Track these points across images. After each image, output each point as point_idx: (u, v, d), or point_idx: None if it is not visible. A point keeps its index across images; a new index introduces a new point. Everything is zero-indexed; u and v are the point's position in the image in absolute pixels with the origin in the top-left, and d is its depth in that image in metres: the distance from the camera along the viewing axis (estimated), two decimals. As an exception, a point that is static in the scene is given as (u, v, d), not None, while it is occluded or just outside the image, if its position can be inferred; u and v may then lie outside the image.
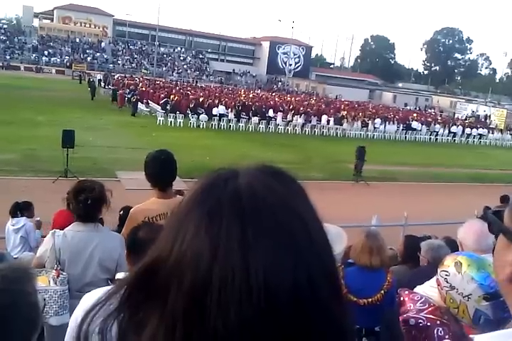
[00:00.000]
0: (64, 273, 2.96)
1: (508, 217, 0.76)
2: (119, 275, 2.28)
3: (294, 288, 0.53)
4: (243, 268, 0.52)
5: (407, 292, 2.08)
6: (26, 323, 1.20)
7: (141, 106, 29.29)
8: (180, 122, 25.82)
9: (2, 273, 1.21)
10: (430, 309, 1.91)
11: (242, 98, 35.83)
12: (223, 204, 0.55)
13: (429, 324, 1.88)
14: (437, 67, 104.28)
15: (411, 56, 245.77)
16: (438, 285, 1.88)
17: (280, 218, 0.55)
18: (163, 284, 0.56)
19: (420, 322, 1.89)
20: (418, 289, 2.27)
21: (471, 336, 0.89)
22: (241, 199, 0.55)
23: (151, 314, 0.57)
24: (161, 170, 3.27)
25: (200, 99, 30.50)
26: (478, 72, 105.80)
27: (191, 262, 0.53)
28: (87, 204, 2.95)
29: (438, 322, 1.87)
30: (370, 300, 3.33)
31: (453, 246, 4.59)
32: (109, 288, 2.20)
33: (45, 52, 61.55)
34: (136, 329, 0.58)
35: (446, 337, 1.83)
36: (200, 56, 75.95)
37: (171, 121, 25.71)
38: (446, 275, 1.82)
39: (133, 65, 66.51)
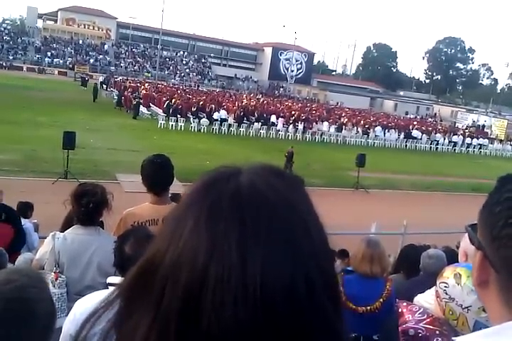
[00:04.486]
0: (62, 276, 2.95)
1: (479, 230, 0.84)
2: (111, 280, 2.26)
3: (291, 289, 0.51)
4: (240, 266, 0.50)
5: (405, 303, 2.08)
6: (48, 316, 1.34)
7: (142, 109, 29.35)
8: (181, 126, 25.89)
9: (27, 272, 1.38)
10: (429, 319, 1.91)
11: (244, 103, 35.89)
12: (223, 200, 0.54)
13: (428, 334, 1.87)
14: (439, 77, 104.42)
15: (413, 65, 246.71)
16: (437, 297, 1.88)
17: (281, 217, 0.54)
18: (159, 282, 0.54)
19: (420, 333, 1.89)
20: (420, 297, 2.27)
21: (453, 338, 0.90)
22: (241, 196, 0.54)
23: (145, 315, 0.54)
24: (155, 175, 3.26)
25: (202, 103, 30.56)
26: (480, 82, 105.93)
27: (188, 258, 0.52)
28: (89, 208, 2.95)
29: (437, 332, 1.87)
30: (369, 308, 3.33)
31: (451, 255, 4.60)
32: (103, 291, 2.16)
33: (48, 53, 61.71)
34: (131, 332, 0.56)
35: None
36: (203, 60, 76.12)
37: (172, 125, 25.76)
38: (445, 286, 1.81)
39: (135, 67, 66.65)
